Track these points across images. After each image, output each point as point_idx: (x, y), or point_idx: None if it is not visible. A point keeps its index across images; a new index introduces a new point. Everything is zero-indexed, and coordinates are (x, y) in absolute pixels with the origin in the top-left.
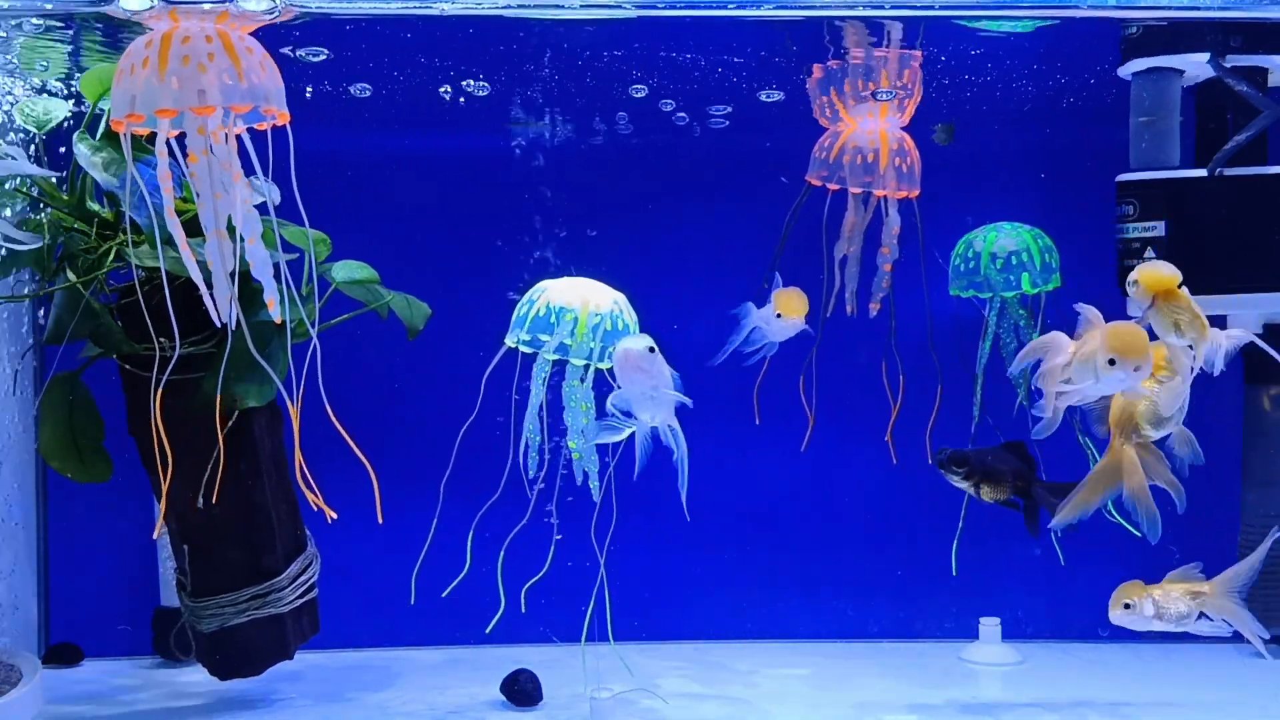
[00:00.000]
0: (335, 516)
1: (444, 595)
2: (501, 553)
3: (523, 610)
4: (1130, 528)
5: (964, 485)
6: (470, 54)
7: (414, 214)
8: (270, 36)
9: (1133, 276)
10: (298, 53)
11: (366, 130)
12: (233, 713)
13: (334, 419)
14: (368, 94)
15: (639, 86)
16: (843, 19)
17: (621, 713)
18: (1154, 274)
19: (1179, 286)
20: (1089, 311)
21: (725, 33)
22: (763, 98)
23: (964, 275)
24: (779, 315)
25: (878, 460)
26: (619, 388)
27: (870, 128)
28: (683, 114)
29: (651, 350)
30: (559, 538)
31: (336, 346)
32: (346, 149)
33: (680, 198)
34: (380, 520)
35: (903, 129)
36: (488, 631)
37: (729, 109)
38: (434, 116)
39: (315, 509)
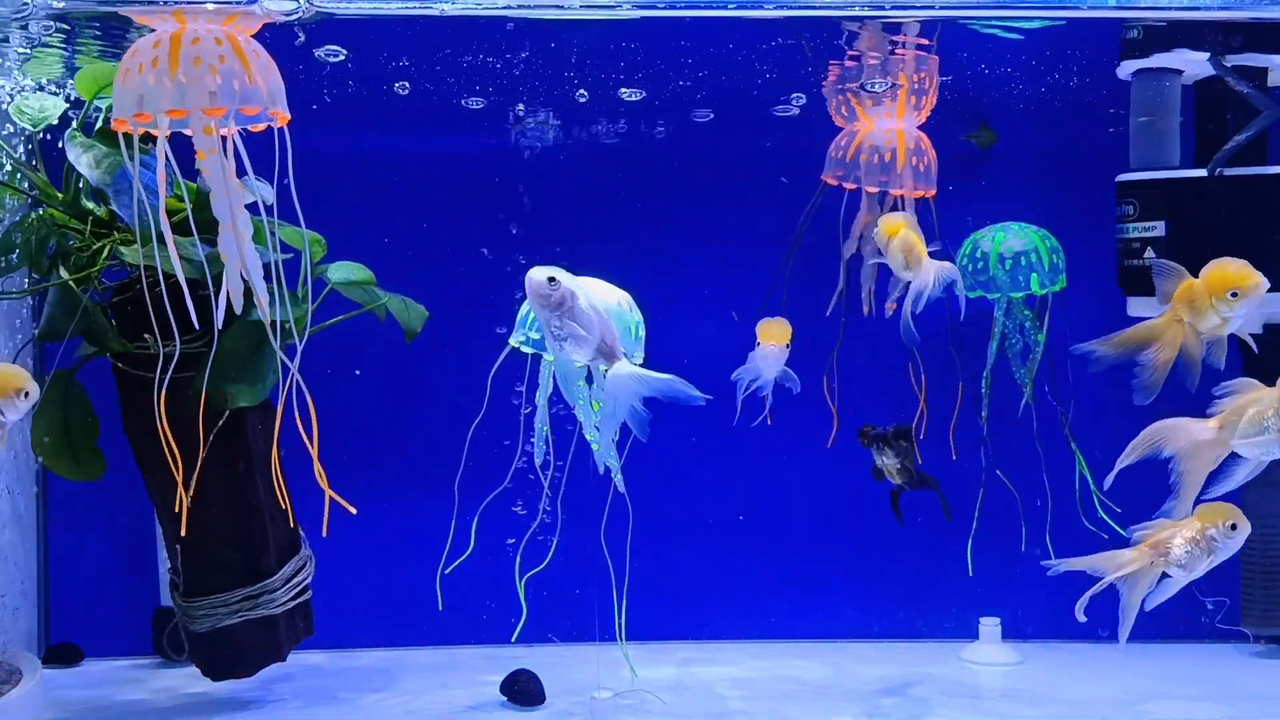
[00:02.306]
0: (329, 518)
1: (446, 573)
2: (518, 557)
3: (523, 603)
4: (1116, 527)
5: (893, 463)
6: (470, 54)
7: (416, 215)
8: (274, 37)
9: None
10: (317, 53)
11: (366, 130)
12: (234, 713)
13: (298, 420)
14: (367, 94)
15: (642, 87)
16: (843, 19)
17: (622, 713)
18: (886, 221)
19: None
20: (1240, 384)
21: (728, 33)
22: (778, 97)
23: (970, 276)
24: (759, 344)
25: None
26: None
27: (887, 127)
28: (692, 112)
29: (551, 281)
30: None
31: (339, 348)
32: (345, 149)
33: (689, 198)
34: (324, 533)
35: (919, 128)
36: (513, 640)
37: (737, 110)
38: (433, 116)
39: (312, 510)
